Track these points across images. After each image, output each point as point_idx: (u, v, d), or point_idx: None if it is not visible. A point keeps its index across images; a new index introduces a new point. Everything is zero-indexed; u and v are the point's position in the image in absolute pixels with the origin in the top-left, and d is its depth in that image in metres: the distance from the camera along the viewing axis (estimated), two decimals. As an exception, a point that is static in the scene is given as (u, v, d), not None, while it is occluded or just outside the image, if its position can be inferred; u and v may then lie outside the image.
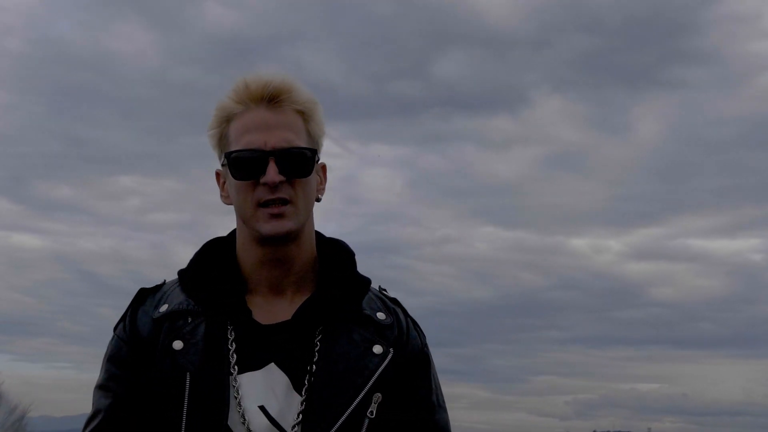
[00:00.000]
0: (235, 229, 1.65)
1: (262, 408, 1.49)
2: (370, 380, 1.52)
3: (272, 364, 1.52)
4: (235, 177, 1.55)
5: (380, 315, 1.62)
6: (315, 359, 1.52)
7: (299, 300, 1.58)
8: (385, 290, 1.72)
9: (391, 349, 1.57)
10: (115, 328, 1.63)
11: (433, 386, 1.66)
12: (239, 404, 1.48)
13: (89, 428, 1.57)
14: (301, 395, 1.50)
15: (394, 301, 1.70)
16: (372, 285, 1.68)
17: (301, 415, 1.48)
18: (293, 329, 1.55)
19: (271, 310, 1.57)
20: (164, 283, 1.66)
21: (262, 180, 1.51)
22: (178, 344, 1.51)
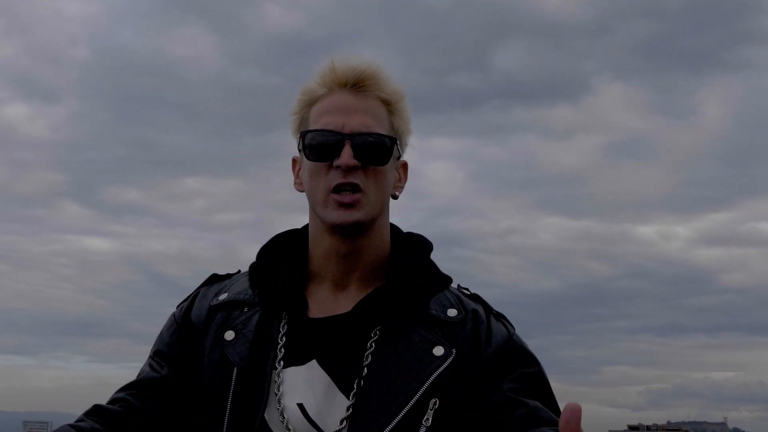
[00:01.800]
0: (308, 223, 1.59)
1: (300, 406, 1.42)
2: (424, 384, 1.39)
3: (314, 361, 1.45)
4: (308, 158, 1.49)
5: (451, 312, 1.50)
6: (367, 361, 1.42)
7: (362, 296, 1.49)
8: (465, 289, 1.61)
9: (454, 350, 1.43)
10: (179, 305, 1.62)
11: (533, 379, 1.46)
12: (279, 401, 1.42)
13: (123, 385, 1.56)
14: (346, 397, 1.40)
15: (474, 297, 1.58)
16: (452, 284, 1.58)
17: (346, 421, 1.38)
18: (347, 325, 1.46)
19: (331, 305, 1.50)
20: (238, 272, 1.64)
21: (336, 163, 1.44)
22: (229, 335, 1.49)
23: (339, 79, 1.51)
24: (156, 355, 1.58)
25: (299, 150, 1.53)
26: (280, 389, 1.42)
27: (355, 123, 1.46)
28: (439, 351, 1.42)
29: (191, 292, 1.62)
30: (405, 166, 1.59)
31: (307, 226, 1.58)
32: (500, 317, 1.56)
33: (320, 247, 1.52)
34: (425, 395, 1.39)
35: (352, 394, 1.39)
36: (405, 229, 1.59)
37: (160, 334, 1.60)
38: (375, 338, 1.44)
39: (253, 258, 1.59)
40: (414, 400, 1.38)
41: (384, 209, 1.52)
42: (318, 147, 1.47)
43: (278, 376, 1.43)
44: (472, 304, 1.54)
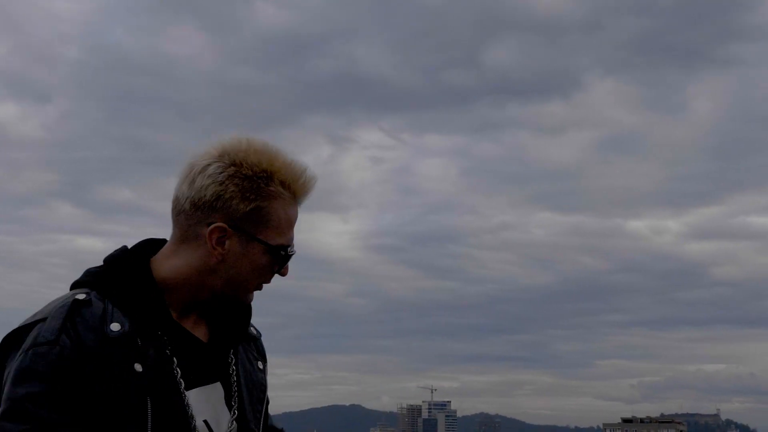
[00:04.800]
0: (146, 242, 1.74)
1: (206, 422, 1.64)
2: (266, 392, 1.82)
3: (218, 383, 1.70)
4: (274, 263, 1.68)
5: (253, 330, 1.86)
6: (235, 379, 1.73)
7: (200, 320, 1.72)
8: None
9: (266, 363, 1.87)
10: (54, 339, 1.52)
11: None
12: (193, 420, 1.61)
13: None
14: (229, 410, 1.70)
15: None
16: None
17: (234, 422, 1.70)
18: (221, 348, 1.73)
19: (192, 330, 1.70)
20: (90, 296, 1.61)
21: (281, 272, 1.72)
22: (138, 367, 1.55)
23: (303, 193, 1.70)
24: (63, 395, 1.50)
25: (240, 229, 1.64)
26: (191, 410, 1.61)
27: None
28: (260, 365, 1.84)
29: (61, 322, 1.54)
30: None
31: (143, 247, 1.72)
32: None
33: (192, 292, 1.68)
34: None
35: (233, 408, 1.71)
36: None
37: (54, 371, 1.50)
38: (233, 361, 1.75)
39: None
40: (265, 404, 1.82)
41: None
42: (284, 261, 1.70)
43: (187, 398, 1.61)
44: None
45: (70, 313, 1.56)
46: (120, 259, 1.70)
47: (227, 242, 1.65)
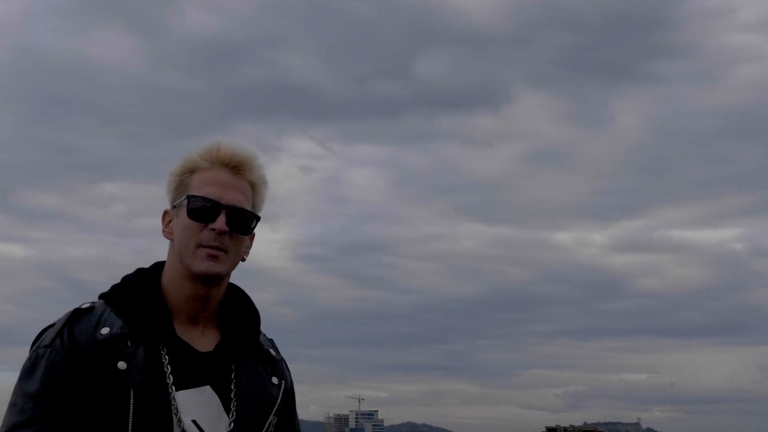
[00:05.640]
0: (158, 263, 1.95)
1: (194, 422, 1.76)
2: (274, 405, 1.92)
3: (208, 386, 1.82)
4: (189, 216, 1.83)
5: (272, 351, 2.03)
6: (236, 387, 1.86)
7: (210, 331, 1.90)
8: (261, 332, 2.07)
9: (283, 382, 1.99)
10: (49, 344, 1.76)
11: (297, 417, 2.10)
12: (180, 419, 1.73)
13: None
14: (227, 415, 1.82)
15: (272, 341, 2.08)
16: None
17: (232, 425, 1.81)
18: (219, 358, 1.87)
19: (192, 338, 1.86)
20: (94, 305, 1.84)
21: (211, 226, 1.81)
22: (122, 365, 1.71)
23: (222, 158, 1.89)
24: (50, 391, 1.71)
25: (174, 206, 1.90)
26: (179, 409, 1.74)
27: (230, 197, 1.85)
28: (275, 380, 1.96)
29: (59, 328, 1.78)
30: (253, 236, 1.98)
31: (155, 266, 1.94)
32: (286, 363, 2.10)
33: (181, 289, 1.86)
34: (274, 413, 1.92)
35: (231, 413, 1.82)
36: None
37: (47, 371, 1.73)
38: (234, 369, 1.87)
39: None
40: (270, 417, 1.90)
41: (235, 267, 1.93)
42: (200, 210, 1.83)
43: (174, 398, 1.74)
44: (276, 347, 2.07)
45: (69, 320, 1.78)
46: (139, 272, 1.92)
47: (173, 222, 1.90)
